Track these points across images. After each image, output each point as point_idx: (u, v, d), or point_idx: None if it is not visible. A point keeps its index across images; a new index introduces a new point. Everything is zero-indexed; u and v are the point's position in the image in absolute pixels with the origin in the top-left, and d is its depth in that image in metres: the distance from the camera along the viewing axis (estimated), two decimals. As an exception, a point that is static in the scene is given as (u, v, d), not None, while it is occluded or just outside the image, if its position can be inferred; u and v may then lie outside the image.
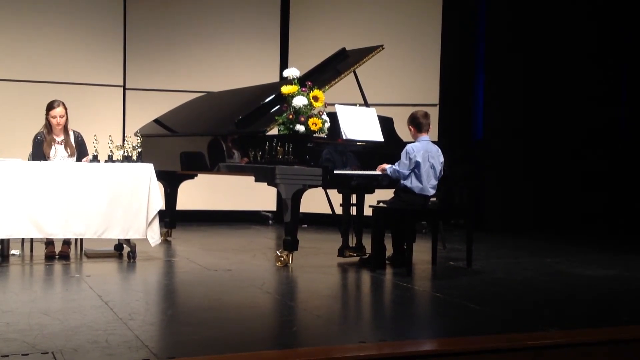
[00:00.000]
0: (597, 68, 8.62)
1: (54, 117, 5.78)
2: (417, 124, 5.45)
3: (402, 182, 5.37)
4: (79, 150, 5.91)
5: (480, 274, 5.46)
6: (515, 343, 3.31)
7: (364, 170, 5.58)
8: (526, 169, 8.77)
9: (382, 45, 6.36)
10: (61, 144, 5.85)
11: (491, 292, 4.75)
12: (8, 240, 5.60)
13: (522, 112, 8.75)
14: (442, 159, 5.49)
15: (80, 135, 5.99)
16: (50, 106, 5.82)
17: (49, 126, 5.83)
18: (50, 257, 5.70)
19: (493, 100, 8.82)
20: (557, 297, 4.69)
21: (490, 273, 5.51)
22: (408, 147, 5.37)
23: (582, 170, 8.65)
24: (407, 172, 5.32)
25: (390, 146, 5.92)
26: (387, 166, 5.45)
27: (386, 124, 6.21)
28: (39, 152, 5.76)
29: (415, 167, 5.31)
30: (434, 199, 5.87)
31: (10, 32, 8.41)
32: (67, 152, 5.84)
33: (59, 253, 5.76)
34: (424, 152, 5.35)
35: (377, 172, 5.50)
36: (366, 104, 6.23)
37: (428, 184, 5.38)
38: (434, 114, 8.79)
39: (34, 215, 5.37)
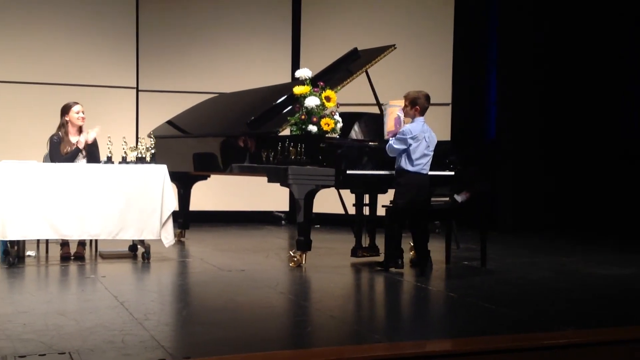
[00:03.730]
0: (612, 64, 8.56)
1: (77, 112, 5.87)
2: (422, 106, 5.44)
3: (398, 163, 5.38)
4: (91, 152, 5.92)
5: (494, 273, 5.45)
6: (531, 343, 3.30)
7: (377, 170, 5.57)
8: (539, 167, 8.73)
9: (394, 45, 6.35)
10: (76, 145, 5.89)
11: (506, 292, 4.74)
12: (24, 241, 5.65)
13: (534, 110, 8.71)
14: (435, 139, 5.51)
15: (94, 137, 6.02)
16: (69, 106, 5.91)
17: (66, 127, 5.88)
18: (65, 258, 5.74)
19: (505, 99, 8.78)
20: (573, 296, 4.67)
21: (504, 272, 5.49)
22: (406, 128, 5.36)
23: (596, 168, 8.59)
24: (399, 150, 5.33)
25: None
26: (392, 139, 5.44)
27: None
28: (57, 152, 5.80)
29: (409, 148, 5.32)
30: (447, 198, 5.86)
31: (24, 35, 8.47)
32: (82, 154, 5.87)
33: (74, 254, 5.79)
34: (420, 133, 5.36)
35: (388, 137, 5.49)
36: (378, 104, 6.22)
37: (423, 162, 5.39)
38: (446, 113, 8.80)
39: (49, 217, 5.41)
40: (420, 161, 5.37)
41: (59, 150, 5.81)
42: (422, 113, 5.46)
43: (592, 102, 8.63)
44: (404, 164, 5.36)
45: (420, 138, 5.35)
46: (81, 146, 5.83)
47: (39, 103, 8.35)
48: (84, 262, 5.66)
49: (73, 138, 5.89)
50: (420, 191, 5.40)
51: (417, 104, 5.44)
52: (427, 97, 5.49)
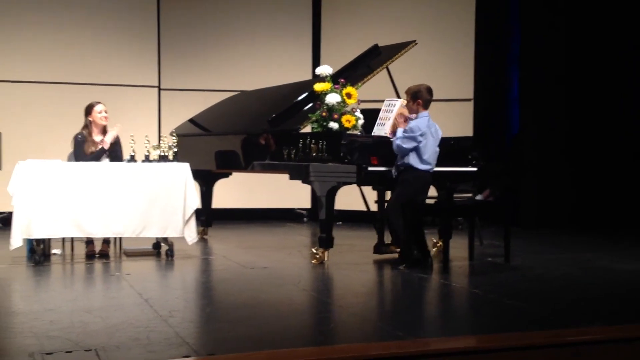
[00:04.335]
0: (637, 58, 8.44)
1: (100, 111, 5.92)
2: (424, 99, 5.34)
3: (406, 160, 5.28)
4: (114, 151, 5.97)
5: (518, 270, 5.41)
6: (555, 339, 3.28)
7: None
8: (562, 163, 8.64)
9: (414, 41, 6.32)
10: (100, 144, 5.94)
11: (530, 288, 4.70)
12: (49, 239, 5.72)
13: (557, 105, 8.62)
14: (440, 133, 5.44)
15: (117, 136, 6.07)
16: (92, 105, 5.96)
17: (89, 127, 5.93)
18: (90, 256, 5.80)
19: (528, 94, 8.70)
20: (597, 293, 4.62)
21: (528, 269, 5.45)
22: (413, 125, 5.28)
23: (620, 164, 8.49)
24: (410, 149, 5.25)
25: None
26: (399, 134, 5.31)
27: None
28: (81, 151, 5.86)
29: (420, 145, 5.25)
30: (470, 194, 5.84)
31: (48, 35, 8.56)
32: (107, 153, 5.92)
33: (99, 252, 5.85)
34: (427, 128, 5.29)
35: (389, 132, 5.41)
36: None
37: (432, 159, 5.33)
38: (468, 108, 8.74)
39: (74, 215, 5.47)
40: (431, 158, 5.31)
41: (83, 150, 5.87)
42: (425, 106, 5.36)
43: (615, 97, 8.52)
44: (414, 161, 5.27)
45: (427, 134, 5.28)
46: (106, 146, 5.88)
47: (62, 102, 8.44)
48: (108, 260, 5.72)
49: (97, 137, 5.94)
50: (424, 188, 5.37)
51: (419, 97, 5.33)
52: (429, 90, 5.38)
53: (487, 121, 8.89)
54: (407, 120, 5.38)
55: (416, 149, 5.26)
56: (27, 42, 8.48)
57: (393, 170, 5.41)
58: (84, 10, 8.70)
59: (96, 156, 5.83)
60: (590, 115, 8.62)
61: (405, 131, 5.28)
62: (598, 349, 3.26)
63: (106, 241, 5.93)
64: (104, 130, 5.97)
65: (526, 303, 4.17)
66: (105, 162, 5.86)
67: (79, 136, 5.92)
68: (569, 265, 5.64)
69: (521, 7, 8.77)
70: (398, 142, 5.28)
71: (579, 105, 8.64)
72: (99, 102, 5.98)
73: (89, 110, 5.95)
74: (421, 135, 5.24)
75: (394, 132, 5.42)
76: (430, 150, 5.30)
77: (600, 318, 3.82)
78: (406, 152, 5.27)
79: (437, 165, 5.52)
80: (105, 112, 5.95)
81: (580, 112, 8.65)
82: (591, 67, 8.57)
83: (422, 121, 5.30)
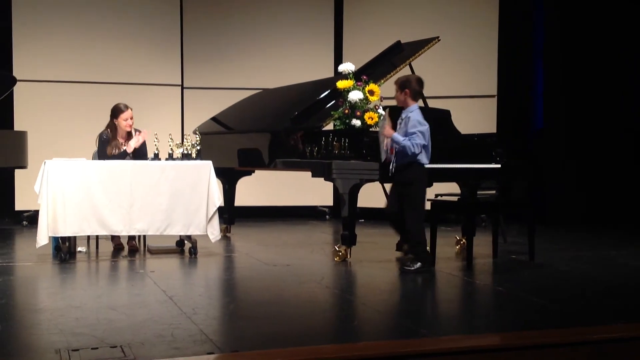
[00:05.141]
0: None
1: (125, 119, 5.93)
2: (413, 90, 5.08)
3: (409, 159, 5.00)
4: (139, 149, 6.01)
5: (542, 267, 5.37)
6: (580, 337, 3.25)
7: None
8: (587, 159, 8.55)
9: (438, 37, 6.29)
10: (124, 146, 5.99)
11: (554, 286, 4.67)
12: (75, 237, 5.79)
13: (582, 100, 8.52)
14: None
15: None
16: (120, 110, 5.94)
17: (114, 129, 5.97)
18: (118, 249, 5.86)
19: (552, 90, 8.61)
20: (621, 290, 4.57)
21: (552, 266, 5.41)
22: (418, 118, 4.98)
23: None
24: (425, 143, 5.01)
25: (448, 139, 5.86)
26: (401, 138, 4.97)
27: (443, 116, 6.14)
28: (104, 151, 5.91)
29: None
30: (493, 191, 5.79)
31: (72, 35, 8.64)
32: (129, 157, 5.95)
33: (130, 246, 5.94)
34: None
35: (385, 137, 5.06)
36: (422, 97, 6.17)
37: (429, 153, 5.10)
38: (492, 105, 8.68)
39: (99, 213, 5.52)
40: (430, 151, 5.07)
41: (106, 150, 5.91)
42: (414, 97, 5.08)
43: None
44: (421, 157, 5.01)
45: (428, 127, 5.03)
46: (129, 150, 5.91)
47: (87, 101, 8.52)
48: (133, 258, 5.77)
49: (121, 141, 5.97)
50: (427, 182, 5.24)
51: (407, 87, 5.07)
52: (419, 81, 5.13)
53: (511, 117, 8.81)
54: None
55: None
56: (51, 43, 8.57)
57: (391, 167, 5.11)
58: (107, 10, 8.77)
59: (117, 159, 5.87)
60: (616, 109, 8.52)
61: (413, 127, 4.97)
62: (623, 347, 3.23)
63: (131, 238, 5.99)
64: (129, 133, 6.00)
65: (550, 301, 4.13)
66: (129, 160, 5.91)
67: (104, 135, 5.96)
68: (592, 263, 5.58)
69: (545, 2, 8.68)
70: (417, 141, 4.93)
71: (604, 100, 8.54)
72: (127, 108, 5.94)
73: (115, 113, 5.95)
74: (425, 130, 4.98)
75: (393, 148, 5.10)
76: (429, 142, 5.07)
77: (625, 316, 3.78)
78: (420, 149, 4.97)
79: (461, 161, 5.48)
80: (131, 119, 5.95)
81: (605, 107, 8.55)
82: (617, 61, 8.46)
83: (417, 113, 5.04)
